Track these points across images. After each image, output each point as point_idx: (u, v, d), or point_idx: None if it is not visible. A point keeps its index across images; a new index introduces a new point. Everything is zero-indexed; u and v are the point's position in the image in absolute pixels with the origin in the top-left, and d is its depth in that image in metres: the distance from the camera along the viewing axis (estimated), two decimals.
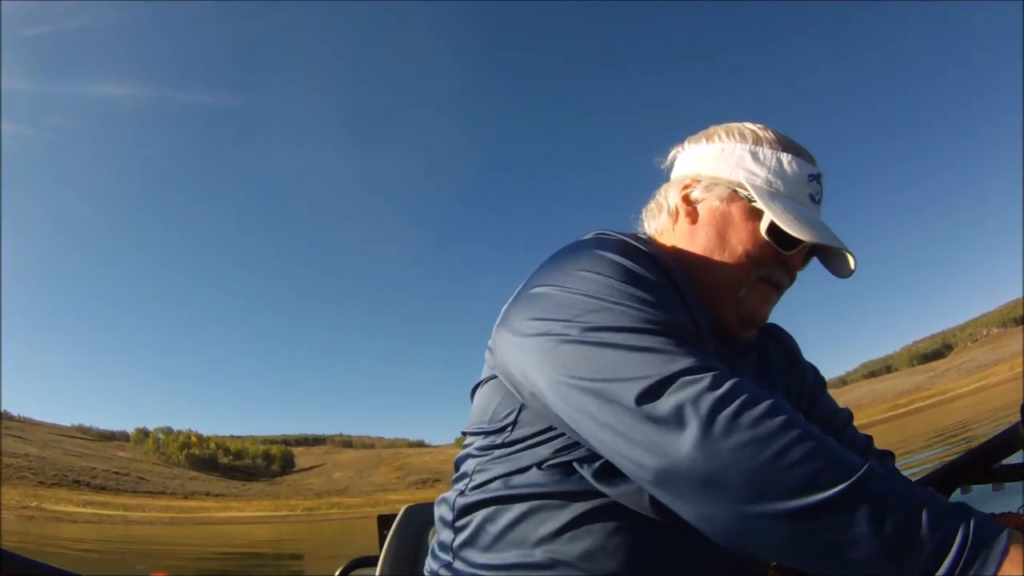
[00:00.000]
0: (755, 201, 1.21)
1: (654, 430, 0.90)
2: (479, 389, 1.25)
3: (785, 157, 1.23)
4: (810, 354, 1.54)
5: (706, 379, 0.91)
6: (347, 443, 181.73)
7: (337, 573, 1.99)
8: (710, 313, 1.21)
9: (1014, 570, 0.79)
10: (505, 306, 1.19)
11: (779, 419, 0.87)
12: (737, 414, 0.87)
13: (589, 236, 1.24)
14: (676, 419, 0.89)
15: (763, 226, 1.20)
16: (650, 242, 1.25)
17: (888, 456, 1.40)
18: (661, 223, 1.33)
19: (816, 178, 1.24)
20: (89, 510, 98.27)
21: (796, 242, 1.19)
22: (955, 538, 0.81)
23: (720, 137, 1.30)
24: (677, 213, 1.30)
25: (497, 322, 1.19)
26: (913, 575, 0.80)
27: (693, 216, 1.28)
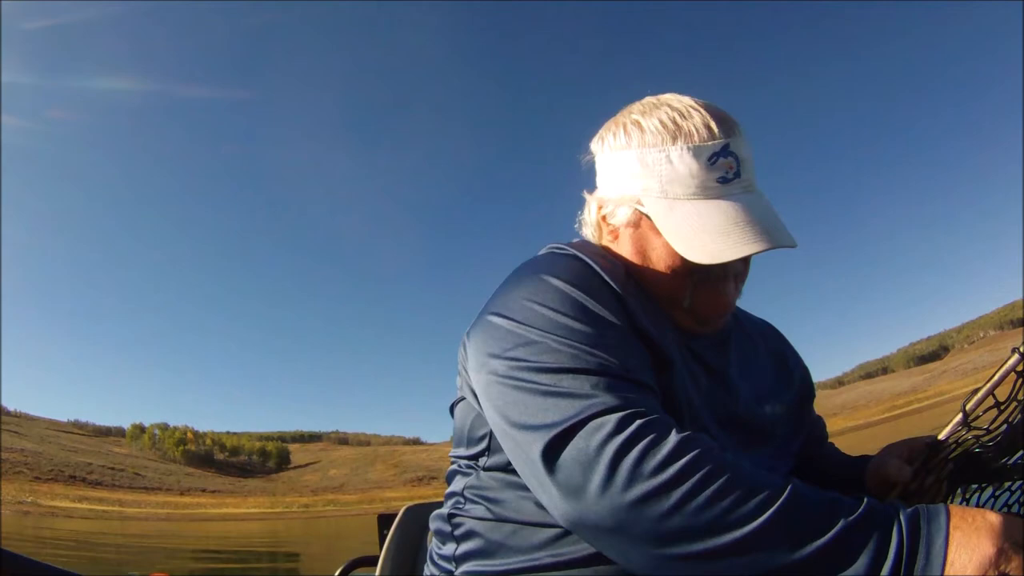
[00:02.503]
0: (651, 218, 1.17)
1: (559, 482, 0.91)
2: (456, 407, 1.26)
3: (674, 152, 1.15)
4: (806, 355, 1.52)
5: (610, 424, 0.90)
6: (343, 440, 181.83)
7: (337, 573, 1.96)
8: (676, 319, 1.21)
9: (961, 559, 0.79)
10: (467, 328, 1.19)
11: (685, 459, 0.85)
12: (639, 461, 0.86)
13: (543, 251, 1.24)
14: (579, 473, 0.89)
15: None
16: (603, 250, 1.24)
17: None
18: (592, 236, 1.32)
19: (721, 153, 1.14)
20: (85, 505, 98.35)
21: None
22: (889, 545, 0.81)
23: (613, 140, 1.24)
24: (601, 230, 1.28)
25: (461, 343, 1.20)
26: None
27: (615, 234, 1.25)
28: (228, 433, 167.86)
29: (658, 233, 1.16)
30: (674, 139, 1.15)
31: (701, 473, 0.84)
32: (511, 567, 1.08)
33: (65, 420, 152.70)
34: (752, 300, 1.44)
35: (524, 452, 0.96)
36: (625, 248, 1.23)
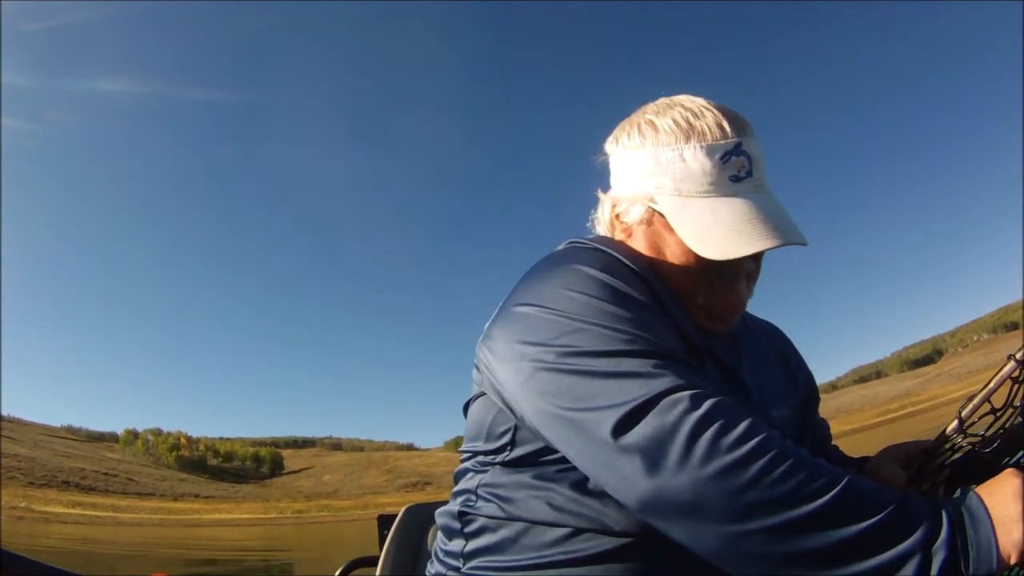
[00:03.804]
0: (664, 216, 1.19)
1: (633, 461, 0.90)
2: (471, 405, 1.25)
3: (688, 151, 1.16)
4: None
5: (683, 402, 0.90)
6: (336, 446, 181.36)
7: (337, 573, 1.97)
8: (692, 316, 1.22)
9: (1007, 536, 0.82)
10: (488, 323, 1.19)
11: (758, 438, 0.87)
12: (717, 437, 0.87)
13: (564, 246, 1.26)
14: (655, 448, 0.89)
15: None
16: (623, 245, 1.25)
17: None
18: (605, 230, 1.34)
19: (733, 152, 1.16)
20: (78, 511, 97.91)
21: None
22: (941, 525, 0.83)
23: (627, 140, 1.27)
24: (614, 229, 1.30)
25: (481, 339, 1.19)
26: (911, 568, 0.81)
27: (628, 233, 1.27)
28: (221, 439, 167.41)
29: (671, 231, 1.18)
30: (687, 138, 1.17)
31: (774, 452, 0.86)
32: (520, 563, 1.08)
33: (58, 425, 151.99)
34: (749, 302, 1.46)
35: (588, 433, 0.95)
36: (639, 246, 1.24)
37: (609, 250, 1.18)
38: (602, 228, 1.34)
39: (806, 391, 1.49)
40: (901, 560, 0.82)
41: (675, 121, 1.19)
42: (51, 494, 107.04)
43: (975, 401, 1.08)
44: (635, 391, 0.93)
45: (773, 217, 1.13)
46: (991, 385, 1.06)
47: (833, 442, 1.54)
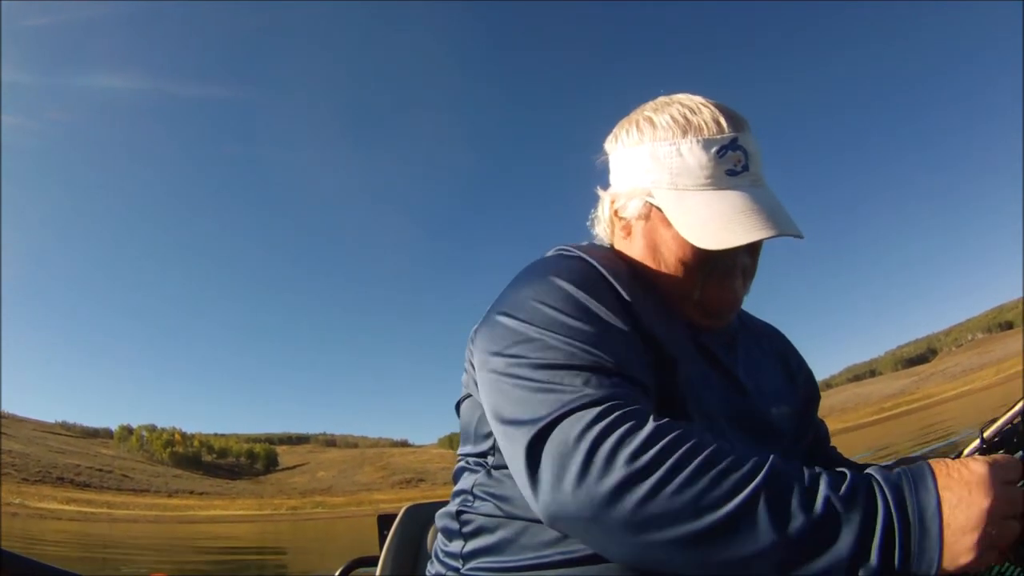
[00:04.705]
0: (661, 209, 1.20)
1: (538, 476, 0.91)
2: (461, 405, 1.27)
3: (685, 145, 1.19)
4: None
5: (589, 416, 0.91)
6: (331, 442, 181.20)
7: (337, 573, 1.97)
8: (686, 314, 1.24)
9: (958, 519, 0.79)
10: (475, 327, 1.21)
11: (660, 444, 0.86)
12: (615, 450, 0.86)
13: (551, 253, 1.27)
14: (558, 465, 0.89)
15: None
16: (610, 252, 1.28)
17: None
18: (604, 233, 1.36)
19: (729, 146, 1.18)
20: (73, 507, 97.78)
21: None
22: (876, 517, 0.81)
23: (626, 137, 1.29)
24: (614, 226, 1.32)
25: (468, 341, 1.22)
26: (844, 560, 0.80)
27: (627, 230, 1.29)
28: (216, 435, 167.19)
29: (668, 225, 1.19)
30: (684, 133, 1.19)
31: (676, 456, 0.85)
32: (519, 564, 1.08)
33: (52, 421, 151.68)
34: (745, 303, 1.46)
35: (512, 445, 0.97)
36: (636, 242, 1.27)
37: (590, 258, 1.18)
38: (601, 227, 1.36)
39: (806, 391, 1.48)
40: (822, 572, 0.80)
41: (672, 117, 1.21)
42: (45, 490, 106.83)
43: (998, 424, 1.04)
44: (551, 407, 0.94)
45: (768, 209, 1.14)
46: (1017, 407, 1.01)
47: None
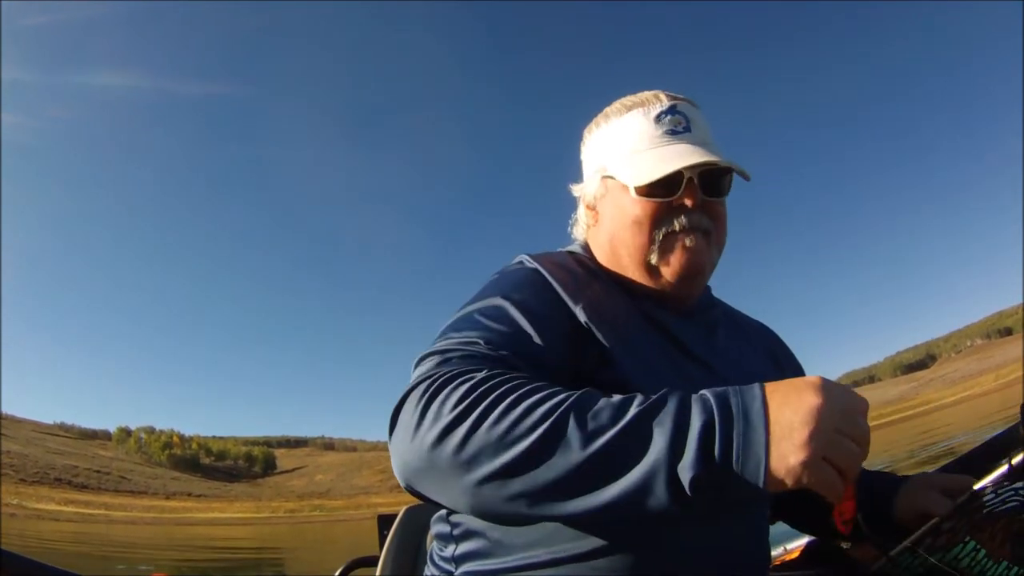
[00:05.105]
0: (614, 177, 1.26)
1: (392, 444, 0.97)
2: None
3: (628, 117, 1.28)
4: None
5: (430, 382, 0.95)
6: (329, 445, 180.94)
7: (337, 573, 1.98)
8: (650, 291, 1.26)
9: (786, 415, 0.79)
10: None
11: (480, 389, 0.90)
12: (442, 402, 0.90)
13: (513, 262, 1.32)
14: (402, 427, 0.94)
15: (631, 189, 1.23)
16: (564, 255, 1.33)
17: None
18: (580, 233, 1.41)
19: (668, 112, 1.25)
20: (71, 508, 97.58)
21: (673, 185, 1.20)
22: (690, 420, 0.82)
23: (587, 135, 1.39)
24: (586, 217, 1.38)
25: None
26: (663, 460, 0.80)
27: (596, 216, 1.34)
28: (214, 437, 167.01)
29: (621, 192, 1.26)
30: (629, 110, 1.28)
31: (492, 397, 0.89)
32: (508, 565, 1.08)
33: (51, 422, 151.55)
34: (742, 307, 1.51)
35: None
36: (602, 225, 1.32)
37: (538, 265, 1.23)
38: (579, 227, 1.41)
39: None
40: (644, 483, 0.81)
41: (621, 103, 1.31)
42: (43, 491, 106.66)
43: None
44: (410, 384, 0.98)
45: (708, 150, 1.20)
46: None
47: None
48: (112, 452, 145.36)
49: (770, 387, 0.83)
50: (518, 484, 0.85)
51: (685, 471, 0.79)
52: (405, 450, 0.93)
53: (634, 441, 0.81)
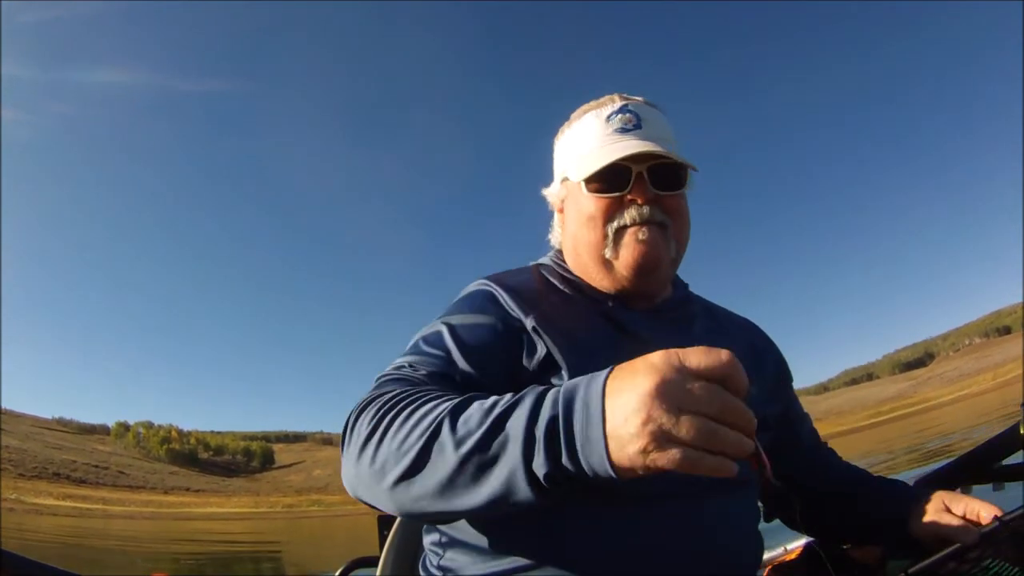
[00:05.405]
0: (569, 178, 1.32)
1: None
2: None
3: (584, 120, 1.32)
4: (792, 360, 1.51)
5: (358, 402, 1.04)
6: (327, 440, 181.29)
7: (337, 573, 1.98)
8: (614, 290, 1.29)
9: (619, 402, 0.76)
10: None
11: (384, 408, 0.97)
12: (360, 419, 0.99)
13: (470, 285, 1.36)
14: (343, 443, 1.04)
15: (583, 187, 1.26)
16: (522, 272, 1.37)
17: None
18: (557, 237, 1.43)
19: (619, 111, 1.28)
20: (69, 503, 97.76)
21: (622, 180, 1.23)
22: (540, 414, 0.82)
23: (556, 140, 1.42)
24: (557, 225, 1.42)
25: None
26: (519, 459, 0.81)
27: (563, 220, 1.38)
28: (212, 432, 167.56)
29: (577, 192, 1.30)
30: (585, 113, 1.33)
31: (395, 411, 0.95)
32: (490, 572, 1.10)
33: (49, 417, 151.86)
34: (741, 307, 1.52)
35: None
36: (566, 226, 1.36)
37: (490, 285, 1.28)
38: (555, 233, 1.45)
39: (776, 373, 1.44)
40: (508, 481, 0.83)
41: (581, 108, 1.35)
42: (42, 486, 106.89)
43: None
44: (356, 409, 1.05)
45: (656, 144, 1.23)
46: None
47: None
48: (110, 447, 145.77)
49: (615, 373, 0.80)
50: (417, 487, 0.90)
51: (539, 468, 0.80)
52: (344, 465, 1.01)
53: (496, 441, 0.83)
